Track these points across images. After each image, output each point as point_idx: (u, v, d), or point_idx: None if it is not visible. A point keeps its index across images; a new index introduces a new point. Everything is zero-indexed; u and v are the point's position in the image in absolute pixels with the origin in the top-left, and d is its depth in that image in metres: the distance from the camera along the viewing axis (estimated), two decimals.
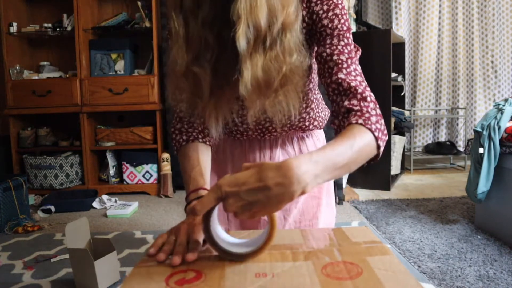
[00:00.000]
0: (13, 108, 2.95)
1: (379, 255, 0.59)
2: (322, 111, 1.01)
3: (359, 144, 0.63)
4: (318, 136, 1.05)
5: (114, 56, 3.06)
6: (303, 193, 0.54)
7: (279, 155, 1.00)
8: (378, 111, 0.71)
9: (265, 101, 0.73)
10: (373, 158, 0.69)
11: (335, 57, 0.75)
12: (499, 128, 1.85)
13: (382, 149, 0.68)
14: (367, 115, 0.68)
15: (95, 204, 2.69)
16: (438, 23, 3.82)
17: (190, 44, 0.73)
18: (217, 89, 0.77)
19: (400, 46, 3.46)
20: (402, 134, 3.44)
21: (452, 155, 3.74)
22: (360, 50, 0.82)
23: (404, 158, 3.59)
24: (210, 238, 0.59)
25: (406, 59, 3.78)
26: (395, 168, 3.23)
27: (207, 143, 0.88)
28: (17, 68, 3.00)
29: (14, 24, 3.00)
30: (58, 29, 3.06)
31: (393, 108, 3.13)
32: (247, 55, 0.69)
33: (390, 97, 2.92)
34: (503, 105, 1.94)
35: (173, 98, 0.80)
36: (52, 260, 1.77)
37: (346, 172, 0.63)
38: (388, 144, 2.97)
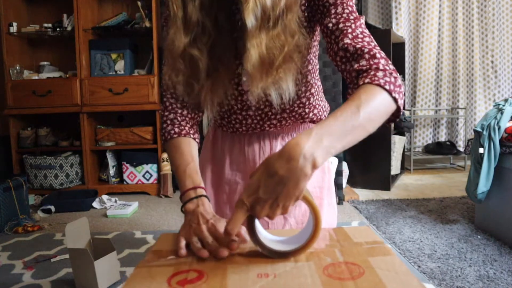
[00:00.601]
0: (13, 108, 2.95)
1: (380, 256, 0.58)
2: (322, 100, 1.00)
3: (368, 102, 0.61)
4: None
5: (114, 56, 3.06)
6: (315, 166, 0.54)
7: None
8: (390, 66, 0.69)
9: (268, 78, 0.74)
10: (395, 114, 0.67)
11: (341, 25, 0.75)
12: (499, 128, 1.85)
13: (401, 101, 0.65)
14: (372, 72, 0.66)
15: (95, 204, 2.69)
16: (438, 23, 3.82)
17: (187, 27, 0.75)
18: (213, 71, 0.79)
19: (400, 46, 3.46)
20: (402, 134, 3.44)
21: (452, 155, 3.74)
22: (364, 16, 0.82)
23: (404, 158, 3.59)
24: (257, 241, 0.60)
25: (406, 59, 3.78)
26: (395, 168, 3.23)
27: (196, 140, 0.89)
28: (17, 68, 3.00)
29: (14, 24, 3.00)
30: (58, 29, 3.06)
31: None
32: (254, 33, 0.71)
33: None
34: (503, 105, 1.94)
35: (170, 79, 0.80)
36: (52, 260, 1.77)
37: (364, 135, 0.61)
38: (388, 144, 2.97)
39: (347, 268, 0.54)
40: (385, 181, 2.99)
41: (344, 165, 3.02)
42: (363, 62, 0.69)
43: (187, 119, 0.89)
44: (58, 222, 2.37)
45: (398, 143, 3.24)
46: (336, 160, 2.52)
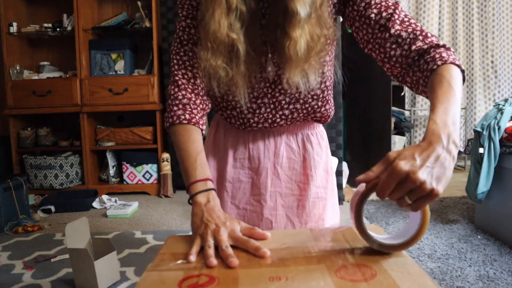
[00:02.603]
0: (13, 108, 2.95)
1: (392, 257, 0.58)
2: (332, 97, 1.00)
3: (453, 77, 0.67)
4: (321, 134, 1.04)
5: (114, 56, 3.06)
6: (457, 146, 0.58)
7: (283, 151, 0.98)
8: (441, 42, 0.75)
9: (304, 66, 0.78)
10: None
11: (384, 14, 0.78)
12: (499, 128, 1.85)
13: (463, 67, 0.72)
14: (437, 55, 0.71)
15: (95, 204, 2.69)
16: (438, 23, 3.82)
17: (229, 11, 0.76)
18: (246, 57, 0.81)
19: None
20: (402, 134, 3.44)
21: None
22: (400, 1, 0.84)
23: None
24: (362, 229, 0.59)
25: None
26: None
27: (203, 132, 0.87)
28: (17, 68, 3.00)
29: (14, 24, 3.00)
30: (58, 29, 3.06)
31: (393, 108, 3.14)
32: (302, 22, 0.74)
33: (390, 97, 2.92)
34: (503, 105, 1.94)
35: (208, 63, 0.79)
36: (52, 260, 1.77)
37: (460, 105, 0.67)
38: (388, 144, 2.97)
39: (360, 270, 0.54)
40: None
41: (344, 165, 3.02)
42: (420, 43, 0.75)
43: (198, 108, 0.87)
44: (58, 222, 2.37)
45: (398, 143, 3.24)
46: (336, 160, 2.52)
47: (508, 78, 3.81)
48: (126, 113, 3.22)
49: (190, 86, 0.87)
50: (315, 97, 0.92)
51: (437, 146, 0.56)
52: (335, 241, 0.66)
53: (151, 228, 2.23)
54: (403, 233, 0.61)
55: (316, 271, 0.55)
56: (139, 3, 2.98)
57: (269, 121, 0.94)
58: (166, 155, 2.98)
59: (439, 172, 0.54)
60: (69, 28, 3.03)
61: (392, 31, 0.77)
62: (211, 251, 0.62)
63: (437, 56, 0.71)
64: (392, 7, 0.78)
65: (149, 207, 2.69)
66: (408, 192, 0.54)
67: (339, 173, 2.60)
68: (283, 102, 0.91)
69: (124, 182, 3.06)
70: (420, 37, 0.75)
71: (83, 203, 2.65)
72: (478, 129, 1.92)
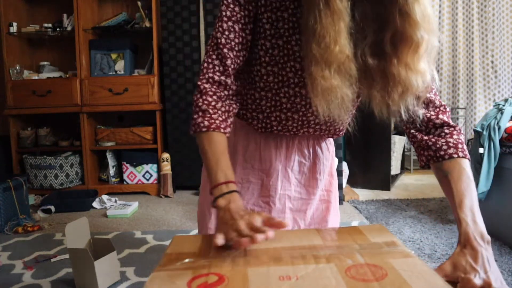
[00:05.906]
0: (13, 108, 2.95)
1: (402, 258, 0.58)
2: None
3: (471, 173, 0.78)
4: (330, 140, 1.06)
5: (114, 56, 3.06)
6: (489, 243, 0.67)
7: (294, 154, 0.99)
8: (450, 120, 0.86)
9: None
10: None
11: None
12: (499, 128, 1.85)
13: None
14: (460, 146, 0.80)
15: (95, 204, 2.69)
16: (438, 23, 3.82)
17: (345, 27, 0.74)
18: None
19: None
20: (402, 134, 3.44)
21: None
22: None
23: (404, 158, 3.59)
24: None
25: None
26: (395, 168, 3.23)
27: (227, 134, 0.84)
28: (17, 68, 3.00)
29: (14, 24, 3.00)
30: (58, 29, 3.06)
31: None
32: (424, 51, 0.76)
33: None
34: (503, 105, 1.94)
35: (327, 83, 0.75)
36: (52, 260, 1.77)
37: None
38: (388, 144, 2.97)
39: (370, 270, 0.54)
40: (385, 181, 2.99)
41: (344, 165, 3.02)
42: (446, 118, 0.84)
43: (219, 112, 0.82)
44: (58, 222, 2.37)
45: (398, 143, 3.24)
46: (336, 160, 2.52)
47: (508, 78, 3.81)
48: (126, 113, 3.22)
49: (212, 89, 0.82)
50: (341, 121, 0.94)
51: (481, 249, 0.64)
52: (342, 240, 0.66)
53: (151, 228, 2.23)
54: None
55: (326, 270, 0.54)
56: (139, 3, 2.98)
57: (291, 132, 0.95)
58: (166, 155, 2.98)
59: (497, 273, 0.63)
60: (69, 28, 3.03)
61: (429, 95, 0.82)
62: (237, 238, 0.62)
63: (459, 146, 0.79)
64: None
65: (149, 207, 2.69)
66: None
67: (339, 173, 2.60)
68: (312, 122, 0.92)
69: (124, 182, 3.06)
70: (447, 114, 0.85)
71: (83, 203, 2.65)
72: (478, 129, 1.92)
